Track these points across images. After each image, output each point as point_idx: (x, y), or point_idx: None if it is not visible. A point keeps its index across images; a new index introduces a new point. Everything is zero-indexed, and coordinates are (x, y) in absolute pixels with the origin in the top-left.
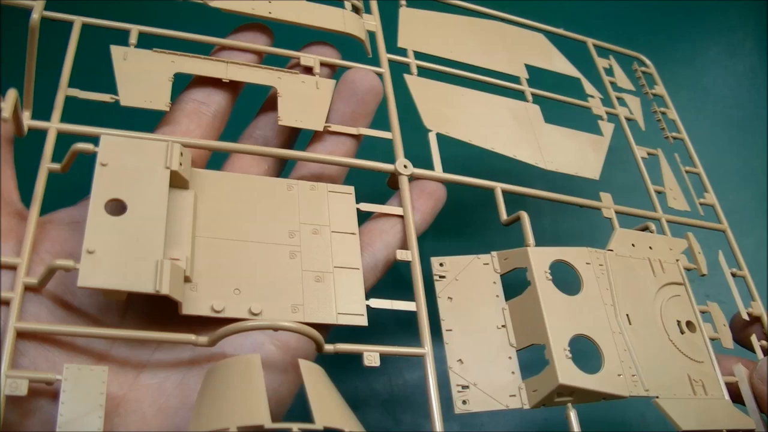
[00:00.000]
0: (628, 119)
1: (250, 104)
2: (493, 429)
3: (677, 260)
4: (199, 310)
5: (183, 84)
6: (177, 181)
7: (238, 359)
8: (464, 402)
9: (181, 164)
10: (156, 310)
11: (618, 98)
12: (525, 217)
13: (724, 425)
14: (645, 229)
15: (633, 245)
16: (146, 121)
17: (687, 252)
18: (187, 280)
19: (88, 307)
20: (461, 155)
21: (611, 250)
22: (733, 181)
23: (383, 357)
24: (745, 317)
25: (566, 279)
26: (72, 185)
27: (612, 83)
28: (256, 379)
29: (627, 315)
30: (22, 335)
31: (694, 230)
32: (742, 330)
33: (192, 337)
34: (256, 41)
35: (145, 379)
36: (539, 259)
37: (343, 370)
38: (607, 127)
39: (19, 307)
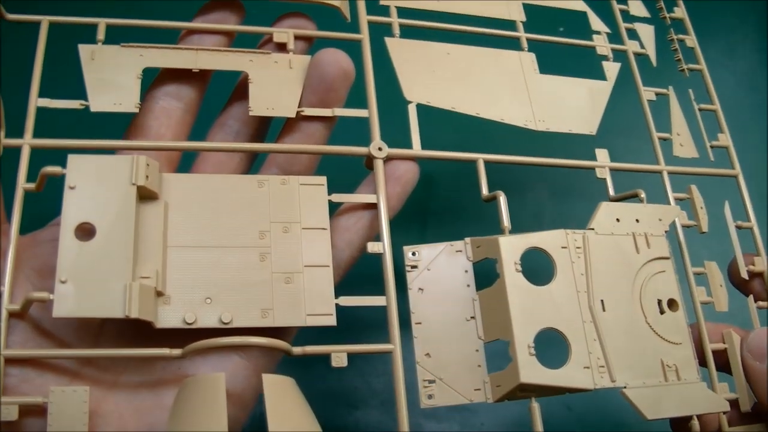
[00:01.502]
0: (637, 54)
1: (224, 88)
2: (492, 429)
3: (665, 231)
4: (171, 323)
5: (154, 75)
6: (145, 194)
7: (205, 379)
8: (430, 396)
9: (147, 177)
10: (130, 328)
11: (629, 30)
12: (502, 197)
13: (694, 411)
14: (634, 196)
15: (618, 220)
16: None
17: (687, 206)
18: (159, 294)
19: (63, 332)
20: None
21: (592, 229)
22: (733, 181)
23: (383, 357)
24: (744, 276)
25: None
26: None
27: (624, 12)
28: (219, 401)
29: (602, 301)
30: (8, 361)
31: (701, 181)
32: (744, 286)
33: (166, 351)
34: (227, 19)
35: (117, 396)
36: (510, 249)
37: (342, 371)
38: (612, 68)
39: (5, 334)
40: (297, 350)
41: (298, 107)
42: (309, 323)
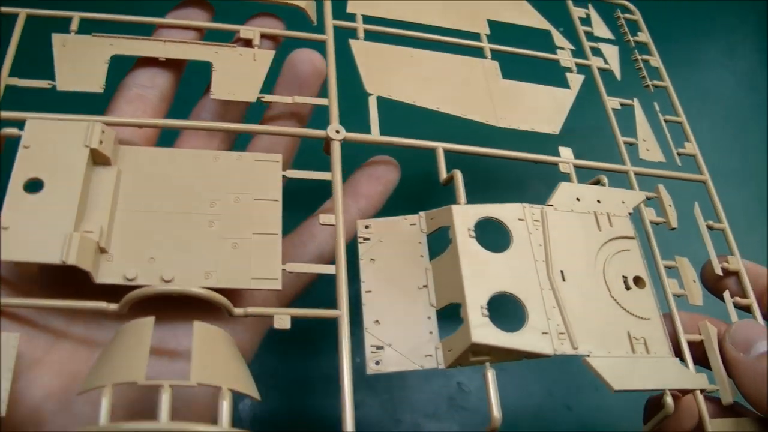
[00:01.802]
0: (601, 69)
1: (201, 83)
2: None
3: (629, 213)
4: (111, 279)
5: (121, 66)
6: (99, 159)
7: (134, 322)
8: (377, 363)
9: (101, 142)
10: (73, 286)
11: (593, 48)
12: (458, 175)
13: (666, 385)
14: (597, 183)
15: (578, 199)
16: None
17: (656, 204)
18: (102, 251)
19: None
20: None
21: (551, 205)
22: (733, 181)
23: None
24: (719, 272)
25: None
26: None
27: (588, 33)
28: (143, 340)
29: (561, 271)
30: None
31: (669, 183)
32: (716, 283)
33: (103, 304)
34: (197, 17)
35: (62, 346)
36: (463, 216)
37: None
38: (575, 80)
39: None
40: (239, 311)
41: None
42: (253, 286)
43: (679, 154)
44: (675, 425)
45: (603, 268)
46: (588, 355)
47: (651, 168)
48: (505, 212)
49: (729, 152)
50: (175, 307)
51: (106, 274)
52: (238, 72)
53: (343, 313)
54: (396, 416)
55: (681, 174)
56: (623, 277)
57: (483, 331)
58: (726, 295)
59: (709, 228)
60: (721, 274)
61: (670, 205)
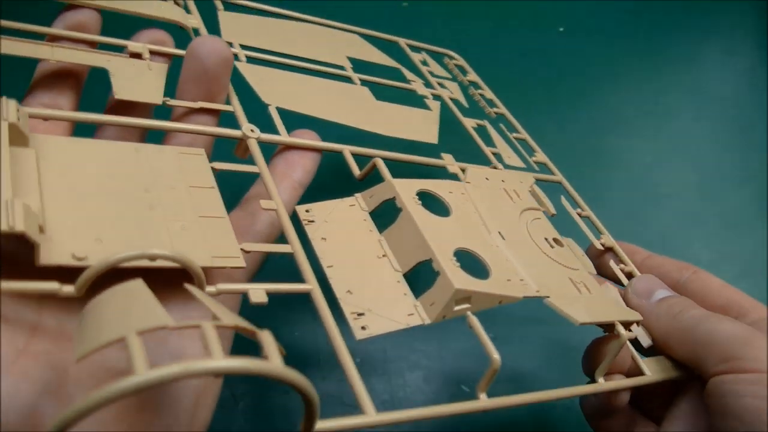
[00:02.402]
0: (452, 98)
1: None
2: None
3: (530, 190)
4: (59, 260)
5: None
6: (16, 138)
7: (119, 286)
8: (363, 328)
9: (19, 119)
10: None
11: (439, 83)
12: (380, 162)
13: (615, 317)
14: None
15: (487, 179)
16: None
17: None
18: (41, 230)
19: None
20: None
21: (468, 183)
22: (733, 181)
23: (384, 357)
24: (599, 247)
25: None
26: None
27: (430, 72)
28: (145, 294)
29: (499, 232)
30: None
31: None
32: (597, 259)
33: (54, 285)
34: (87, 22)
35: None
36: (405, 188)
37: (342, 371)
38: (434, 105)
39: None
40: (210, 289)
41: (179, 98)
42: (216, 264)
43: (535, 162)
44: (615, 366)
45: (528, 231)
46: (549, 297)
47: (519, 171)
48: (438, 186)
49: (729, 152)
50: None
51: (52, 255)
52: (137, 77)
53: (314, 286)
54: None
55: (541, 176)
56: (545, 238)
57: (463, 279)
58: (611, 263)
59: (579, 215)
60: (602, 248)
61: (544, 197)
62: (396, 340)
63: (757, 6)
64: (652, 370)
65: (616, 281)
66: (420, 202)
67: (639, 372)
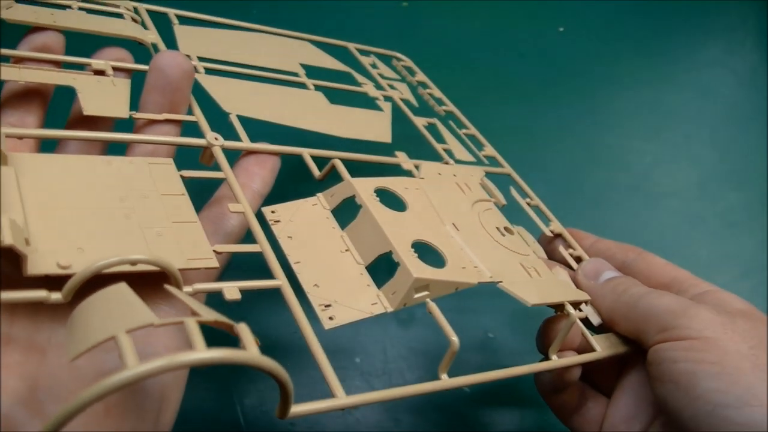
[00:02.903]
0: (402, 99)
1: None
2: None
3: (480, 183)
4: (44, 269)
5: None
6: None
7: (102, 291)
8: (331, 318)
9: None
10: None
11: (389, 85)
12: (338, 162)
13: (565, 299)
14: (446, 164)
15: (439, 173)
16: None
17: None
18: (26, 243)
19: None
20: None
21: (422, 178)
22: (733, 181)
23: (384, 358)
24: (549, 234)
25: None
26: None
27: (380, 74)
28: (130, 297)
29: (453, 224)
30: None
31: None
32: (548, 245)
33: (43, 293)
34: (51, 44)
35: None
36: (363, 186)
37: (343, 371)
38: (386, 106)
39: None
40: (187, 289)
41: (141, 110)
42: (192, 265)
43: (484, 156)
44: (567, 344)
45: (480, 222)
46: (501, 282)
47: (469, 165)
48: (393, 183)
49: (729, 152)
50: None
51: (37, 266)
52: (102, 93)
53: (284, 282)
54: (396, 416)
55: (491, 168)
56: (496, 227)
57: (420, 268)
58: (561, 248)
59: (528, 204)
60: (551, 235)
61: (494, 188)
62: (396, 340)
63: (757, 6)
64: (601, 347)
65: (567, 265)
66: (378, 198)
67: (590, 348)
